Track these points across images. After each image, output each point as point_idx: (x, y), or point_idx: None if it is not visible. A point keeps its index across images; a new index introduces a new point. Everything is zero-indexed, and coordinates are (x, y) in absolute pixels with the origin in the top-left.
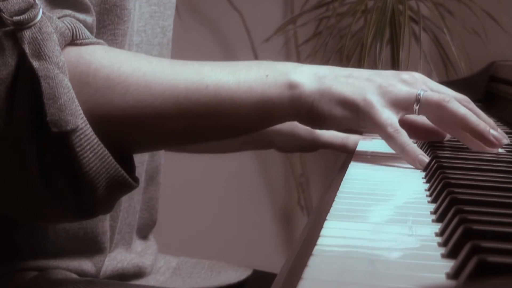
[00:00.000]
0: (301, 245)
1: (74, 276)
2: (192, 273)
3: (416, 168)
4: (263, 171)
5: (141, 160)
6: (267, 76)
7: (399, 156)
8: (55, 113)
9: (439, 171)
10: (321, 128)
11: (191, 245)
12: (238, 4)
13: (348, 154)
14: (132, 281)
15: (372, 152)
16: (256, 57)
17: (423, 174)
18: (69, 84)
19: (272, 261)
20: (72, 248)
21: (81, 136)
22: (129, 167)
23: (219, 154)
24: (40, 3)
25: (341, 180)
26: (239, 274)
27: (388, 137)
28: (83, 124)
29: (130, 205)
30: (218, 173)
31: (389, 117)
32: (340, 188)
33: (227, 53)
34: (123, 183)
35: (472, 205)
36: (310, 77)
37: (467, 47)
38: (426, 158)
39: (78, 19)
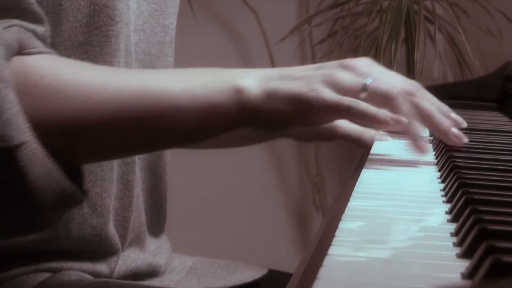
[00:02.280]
0: (316, 245)
1: (89, 277)
2: (208, 272)
3: (391, 129)
4: (278, 171)
5: (133, 159)
6: (212, 82)
7: (413, 156)
8: (0, 128)
9: (454, 171)
10: (273, 130)
11: (207, 245)
12: (253, 4)
13: (362, 155)
14: (147, 280)
15: (387, 154)
16: (271, 57)
17: (438, 174)
18: (14, 98)
19: (287, 261)
20: (86, 250)
21: (27, 151)
22: (79, 179)
23: (234, 154)
24: None
25: (356, 180)
26: (254, 274)
27: (349, 108)
28: (29, 138)
29: (137, 203)
30: (234, 173)
31: (337, 95)
32: (355, 188)
33: (242, 54)
34: (72, 197)
35: (488, 205)
36: (256, 81)
37: (482, 47)
38: (399, 117)
39: (27, 28)
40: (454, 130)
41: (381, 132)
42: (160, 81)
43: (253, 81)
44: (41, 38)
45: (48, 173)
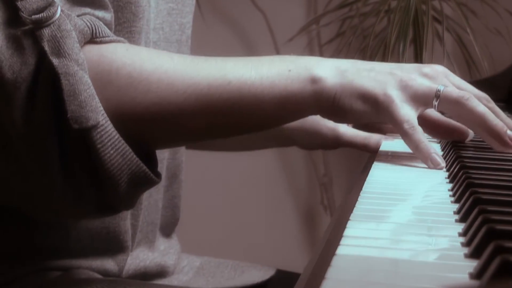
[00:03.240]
0: (325, 245)
1: (97, 275)
2: (216, 273)
3: (429, 167)
4: (286, 171)
5: (161, 158)
6: (289, 71)
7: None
8: (75, 109)
9: (462, 171)
10: (342, 121)
11: (215, 245)
12: (262, 4)
13: (371, 154)
14: (155, 280)
15: (395, 152)
16: None
17: (446, 174)
18: (89, 80)
19: (296, 261)
20: (95, 247)
21: (102, 133)
22: (152, 162)
23: (242, 154)
24: (59, 1)
25: (364, 180)
26: (263, 274)
27: (404, 134)
28: (104, 121)
29: (150, 203)
30: (242, 173)
31: (407, 113)
32: (363, 189)
33: (250, 54)
34: (145, 179)
35: (496, 205)
36: (332, 71)
37: (490, 47)
38: (439, 158)
39: (97, 17)
40: (510, 133)
41: (386, 136)
42: (238, 70)
43: (329, 71)
44: (109, 25)
45: (122, 155)
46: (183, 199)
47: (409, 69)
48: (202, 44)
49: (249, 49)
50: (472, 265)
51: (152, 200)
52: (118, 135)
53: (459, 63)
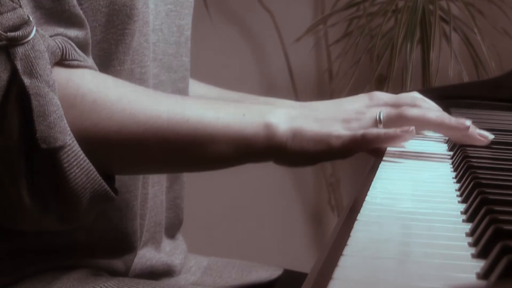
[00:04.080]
0: (332, 245)
1: (105, 274)
2: (223, 273)
3: (401, 140)
4: (294, 171)
5: None
6: (244, 115)
7: (429, 155)
8: (44, 130)
9: (469, 171)
10: (296, 166)
11: (222, 245)
12: (269, 4)
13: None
14: (162, 280)
15: (402, 152)
16: (286, 57)
17: (454, 174)
18: (58, 102)
19: (303, 261)
20: (103, 248)
21: (69, 152)
22: (110, 179)
23: None
24: (33, 18)
25: (372, 180)
26: (270, 274)
27: (362, 140)
28: (71, 141)
29: (155, 203)
30: (249, 173)
31: (351, 132)
32: (371, 188)
33: (258, 54)
34: (105, 197)
35: (503, 205)
36: (283, 118)
37: (498, 47)
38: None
39: (70, 37)
40: (477, 130)
41: None
42: (197, 109)
43: (280, 118)
44: (82, 43)
45: (86, 174)
46: (190, 199)
47: (347, 111)
48: (209, 44)
49: (256, 49)
50: (479, 265)
51: (157, 200)
52: (83, 156)
53: (466, 63)
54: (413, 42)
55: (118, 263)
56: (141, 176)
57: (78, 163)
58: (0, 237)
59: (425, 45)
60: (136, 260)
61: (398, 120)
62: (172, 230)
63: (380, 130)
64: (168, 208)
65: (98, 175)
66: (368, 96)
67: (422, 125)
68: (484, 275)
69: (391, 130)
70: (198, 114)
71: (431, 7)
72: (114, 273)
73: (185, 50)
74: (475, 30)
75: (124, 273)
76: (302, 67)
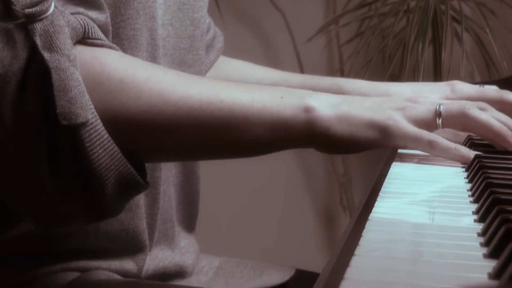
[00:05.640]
0: (343, 245)
1: (117, 276)
2: (235, 273)
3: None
4: (305, 171)
5: None
6: (282, 97)
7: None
8: (65, 105)
9: (481, 171)
10: (339, 153)
11: (234, 246)
12: (281, 4)
13: (390, 154)
14: (174, 281)
15: (413, 152)
16: (298, 57)
17: (465, 174)
18: (80, 77)
19: (314, 261)
20: (114, 248)
21: (91, 131)
22: (141, 172)
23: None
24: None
25: (383, 180)
26: (282, 274)
27: (429, 146)
28: (94, 119)
29: (164, 200)
30: (261, 173)
31: (418, 129)
32: (382, 189)
33: (269, 54)
34: (133, 182)
35: None
36: (325, 103)
37: (509, 47)
38: (471, 154)
39: (90, 18)
40: None
41: None
42: (231, 91)
43: (322, 102)
44: (103, 26)
45: (111, 155)
46: (201, 200)
47: (399, 99)
48: None
49: (268, 49)
50: (491, 265)
51: (166, 197)
52: (107, 135)
53: (478, 63)
54: (425, 42)
55: (130, 264)
56: (148, 175)
57: (101, 143)
58: (13, 239)
59: (437, 45)
60: (148, 261)
61: (461, 117)
62: (188, 224)
63: (451, 145)
64: (183, 202)
65: (123, 157)
66: (450, 86)
67: (482, 129)
68: (496, 275)
69: (463, 150)
70: (232, 96)
71: (442, 7)
72: (126, 275)
73: (201, 43)
74: (487, 30)
75: (136, 274)
76: (314, 67)
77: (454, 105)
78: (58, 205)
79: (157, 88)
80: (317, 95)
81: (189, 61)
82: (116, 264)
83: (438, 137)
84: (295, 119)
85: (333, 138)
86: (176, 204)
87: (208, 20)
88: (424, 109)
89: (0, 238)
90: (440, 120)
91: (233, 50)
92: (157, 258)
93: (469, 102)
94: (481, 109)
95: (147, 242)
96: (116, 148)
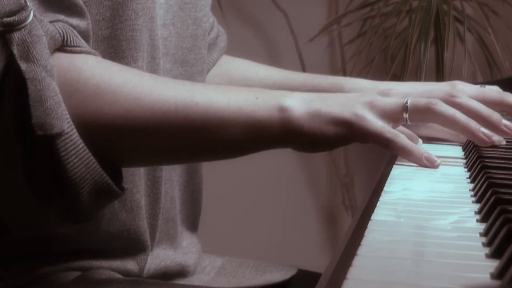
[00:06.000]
0: (346, 245)
1: (118, 275)
2: (237, 272)
3: (425, 166)
4: (308, 171)
5: None
6: (256, 98)
7: (443, 157)
8: (40, 116)
9: (483, 171)
10: (313, 151)
11: (236, 245)
12: (283, 4)
13: (392, 155)
14: (176, 280)
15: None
16: (300, 57)
17: (468, 174)
18: (57, 88)
19: (317, 261)
20: (116, 248)
21: (67, 141)
22: (117, 176)
23: (263, 154)
24: (32, 6)
25: (385, 180)
26: (284, 274)
27: (388, 142)
28: (69, 129)
29: (166, 200)
30: (263, 173)
31: (383, 125)
32: (384, 188)
33: (272, 54)
34: (108, 190)
35: None
36: (299, 101)
37: None
38: (432, 156)
39: (70, 25)
40: (484, 130)
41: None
42: (206, 93)
43: (296, 101)
44: (84, 33)
45: (86, 164)
46: (204, 199)
47: (371, 93)
48: None
49: (270, 49)
50: (493, 265)
51: (168, 197)
52: (83, 144)
53: (480, 63)
54: (427, 42)
55: (131, 264)
56: (150, 175)
57: (77, 152)
58: (15, 239)
59: (439, 45)
60: (150, 261)
61: (427, 112)
62: (191, 223)
63: (405, 144)
64: (186, 201)
65: (98, 166)
66: (451, 87)
67: (449, 124)
68: (498, 275)
69: (417, 150)
70: (207, 98)
71: (445, 7)
72: (127, 274)
73: (203, 42)
74: (489, 30)
75: (138, 274)
76: (316, 67)
77: (422, 100)
78: (37, 211)
79: (133, 92)
80: (292, 94)
81: (191, 60)
82: (117, 263)
83: (399, 136)
84: (270, 119)
85: (307, 135)
86: (179, 203)
87: (211, 19)
88: (392, 102)
89: (2, 238)
90: (407, 115)
91: (235, 50)
92: (158, 257)
93: (491, 100)
94: (453, 96)
95: (149, 242)
96: (92, 157)
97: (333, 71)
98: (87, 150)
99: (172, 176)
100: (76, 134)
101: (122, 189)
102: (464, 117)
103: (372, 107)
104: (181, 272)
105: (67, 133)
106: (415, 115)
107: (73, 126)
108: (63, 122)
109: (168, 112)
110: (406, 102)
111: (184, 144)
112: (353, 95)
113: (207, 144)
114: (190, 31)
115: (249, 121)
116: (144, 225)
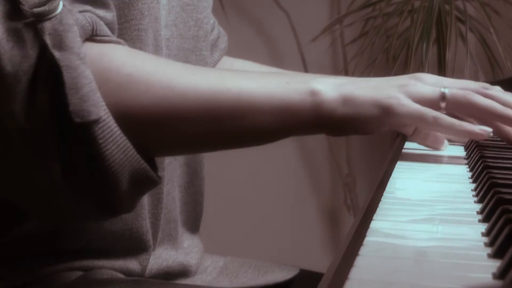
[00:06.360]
0: (348, 245)
1: (120, 275)
2: (239, 272)
3: (479, 139)
4: (310, 171)
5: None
6: (287, 83)
7: (445, 154)
8: (77, 103)
9: (485, 171)
10: (347, 134)
11: (238, 245)
12: (285, 4)
13: (394, 154)
14: (178, 280)
15: (418, 151)
16: (302, 57)
17: (470, 174)
18: (91, 75)
19: (319, 261)
20: (118, 248)
21: (104, 128)
22: (152, 167)
23: (265, 154)
24: None
25: (388, 180)
26: (286, 274)
27: (433, 123)
28: (106, 116)
29: (168, 200)
30: (265, 173)
31: (421, 107)
32: (387, 188)
33: (274, 54)
34: (146, 178)
35: None
36: (331, 85)
37: None
38: (481, 126)
39: (97, 15)
40: None
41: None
42: (237, 79)
43: (328, 85)
44: (110, 24)
45: (124, 151)
46: (206, 199)
47: (404, 77)
48: None
49: (272, 49)
50: (495, 265)
51: (170, 197)
52: (120, 131)
53: (482, 63)
54: (429, 42)
55: (133, 263)
56: None
57: (114, 139)
58: (16, 239)
59: (441, 45)
60: (152, 261)
61: (465, 103)
62: (192, 224)
63: (455, 121)
64: (187, 203)
65: (135, 152)
66: (414, 78)
67: (485, 114)
68: (500, 275)
69: (466, 125)
70: (239, 84)
71: (447, 7)
72: (129, 274)
73: (205, 44)
74: (491, 30)
75: (140, 274)
76: (318, 67)
77: (460, 91)
78: (70, 205)
79: (165, 79)
80: (322, 78)
81: (193, 62)
82: (119, 263)
83: (442, 114)
84: (302, 103)
85: (340, 119)
86: (180, 205)
87: (212, 20)
88: (429, 89)
89: (4, 238)
90: (444, 104)
91: (238, 50)
92: (160, 257)
93: (470, 88)
94: (485, 88)
95: (151, 242)
96: (129, 144)
97: (335, 71)
98: (124, 137)
99: (173, 176)
100: (113, 121)
101: (160, 177)
102: (502, 107)
103: (407, 91)
104: (183, 272)
105: (104, 120)
106: (453, 105)
107: (109, 113)
108: (100, 108)
109: (201, 99)
110: (444, 91)
111: (217, 130)
112: (384, 79)
113: (240, 130)
114: (192, 33)
115: (281, 106)
116: (146, 224)
